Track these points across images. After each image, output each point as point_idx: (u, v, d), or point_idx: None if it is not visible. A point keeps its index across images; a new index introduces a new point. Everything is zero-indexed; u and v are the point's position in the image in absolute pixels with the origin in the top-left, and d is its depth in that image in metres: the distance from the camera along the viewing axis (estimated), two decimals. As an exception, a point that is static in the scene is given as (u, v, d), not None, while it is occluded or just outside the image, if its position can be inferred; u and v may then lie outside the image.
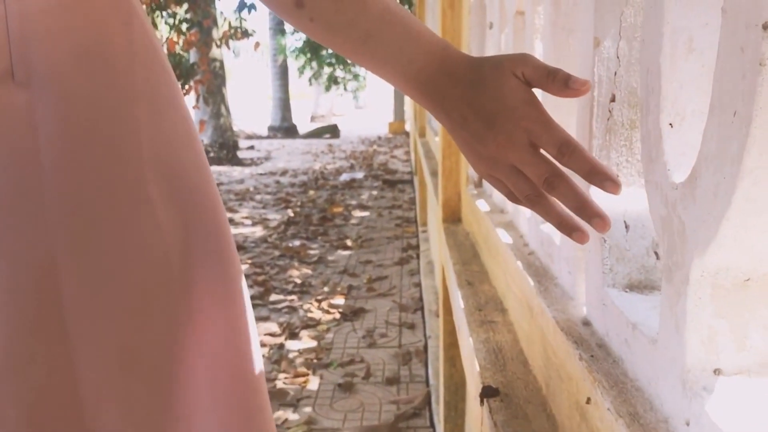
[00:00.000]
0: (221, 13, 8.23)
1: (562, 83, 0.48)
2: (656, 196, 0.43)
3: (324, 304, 3.03)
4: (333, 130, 14.44)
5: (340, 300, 3.11)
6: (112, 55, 0.46)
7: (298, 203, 5.84)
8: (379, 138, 13.18)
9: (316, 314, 2.92)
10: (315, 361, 2.43)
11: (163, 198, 0.48)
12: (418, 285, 3.31)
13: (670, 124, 0.42)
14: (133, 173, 0.46)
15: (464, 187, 1.48)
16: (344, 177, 7.47)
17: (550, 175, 0.48)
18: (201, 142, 0.55)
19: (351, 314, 2.91)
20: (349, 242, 4.29)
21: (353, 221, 5.03)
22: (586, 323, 0.61)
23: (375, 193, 6.43)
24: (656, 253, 0.57)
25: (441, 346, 1.78)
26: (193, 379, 0.48)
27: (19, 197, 0.43)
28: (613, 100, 0.58)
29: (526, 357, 0.78)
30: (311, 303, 3.05)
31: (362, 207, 5.62)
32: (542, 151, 0.49)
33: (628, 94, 0.58)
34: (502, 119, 0.49)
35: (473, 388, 0.79)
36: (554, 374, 0.64)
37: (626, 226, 0.57)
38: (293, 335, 2.69)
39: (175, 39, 7.62)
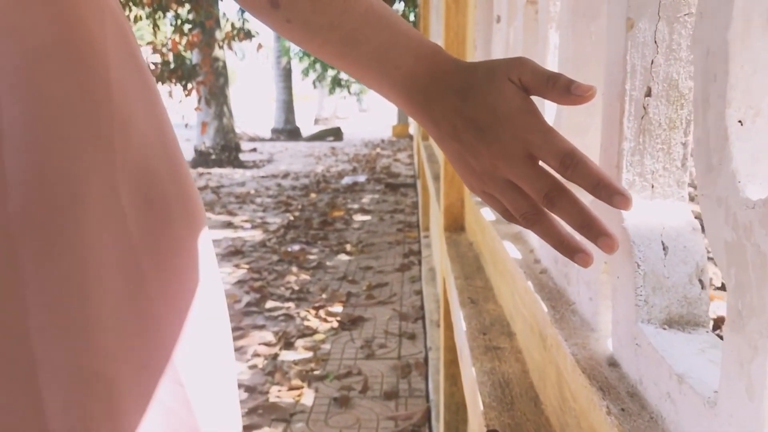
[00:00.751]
0: (224, 14, 8.16)
1: (563, 89, 0.43)
2: (718, 216, 0.33)
3: (321, 312, 2.93)
4: (336, 133, 14.36)
5: (338, 308, 3.01)
6: (82, 54, 0.42)
7: (299, 206, 5.74)
8: (383, 141, 13.09)
9: (313, 323, 2.82)
10: (310, 372, 2.33)
11: (136, 210, 0.44)
12: (420, 293, 3.21)
13: (740, 122, 0.32)
14: (106, 183, 0.43)
15: (468, 193, 1.38)
16: (346, 180, 7.38)
17: (550, 190, 0.43)
18: (179, 148, 0.50)
19: (349, 323, 2.80)
20: (349, 247, 4.19)
21: (354, 225, 4.93)
22: (613, 364, 0.50)
23: (377, 196, 6.33)
24: (701, 281, 0.46)
25: (442, 361, 1.68)
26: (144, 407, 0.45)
27: None
28: (648, 94, 0.48)
29: (537, 393, 0.67)
30: (308, 311, 2.95)
31: (364, 211, 5.52)
32: (541, 163, 0.44)
33: (668, 87, 0.48)
34: (496, 129, 0.44)
35: (476, 426, 0.69)
36: (572, 421, 0.54)
37: (664, 248, 0.47)
38: (288, 345, 2.59)
39: (177, 40, 7.55)
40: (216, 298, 0.51)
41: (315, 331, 2.73)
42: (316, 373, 2.33)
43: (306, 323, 2.81)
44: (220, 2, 8.13)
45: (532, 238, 0.86)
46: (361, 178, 7.50)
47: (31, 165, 0.40)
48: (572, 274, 0.64)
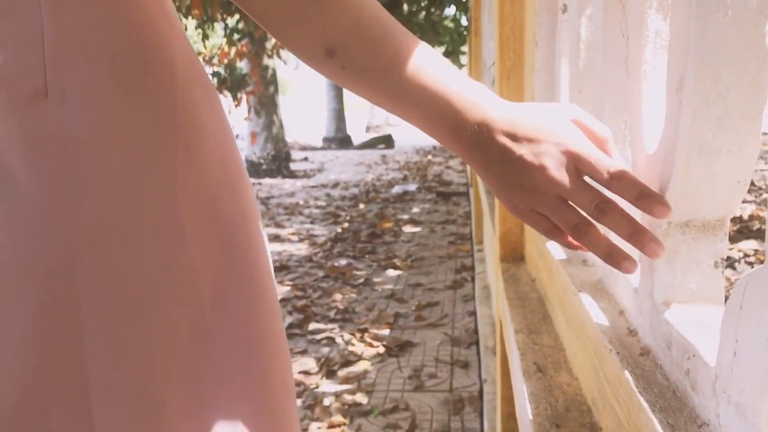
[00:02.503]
0: (273, 23, 8.13)
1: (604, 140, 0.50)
2: None
3: (367, 336, 2.73)
4: (387, 141, 14.22)
5: (385, 330, 2.81)
6: (152, 75, 0.45)
7: (347, 218, 5.58)
8: (434, 148, 12.86)
9: (358, 348, 2.63)
10: (353, 407, 2.14)
11: (198, 230, 0.46)
12: (473, 314, 2.98)
13: None
14: (166, 200, 0.44)
15: (528, 218, 1.15)
16: (396, 189, 7.19)
17: (600, 201, 0.47)
18: (242, 171, 0.52)
19: (396, 348, 2.60)
20: (398, 261, 4.00)
21: (403, 238, 4.73)
22: None
23: (428, 206, 6.11)
24: None
25: (499, 397, 1.46)
26: None
27: (45, 218, 0.41)
28: None
29: None
30: (353, 334, 2.77)
31: (414, 222, 5.31)
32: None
33: None
34: (548, 145, 0.48)
35: None
36: None
37: None
38: (331, 373, 2.40)
39: (226, 50, 7.55)
40: (275, 327, 0.51)
41: (360, 357, 2.53)
42: (359, 407, 2.14)
43: (350, 348, 2.63)
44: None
45: (620, 292, 0.64)
46: (412, 187, 7.30)
47: (94, 177, 0.41)
48: (700, 372, 0.42)
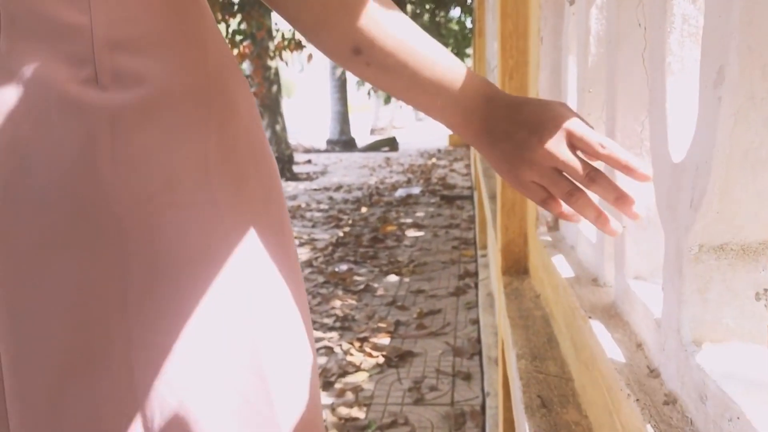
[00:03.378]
0: (275, 24, 8.05)
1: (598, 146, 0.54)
2: None
3: (366, 345, 2.65)
4: (391, 143, 14.13)
5: (385, 339, 2.72)
6: (189, 60, 0.49)
7: (350, 221, 5.50)
8: (439, 151, 12.77)
9: (357, 358, 2.54)
10: (350, 422, 2.05)
11: (229, 205, 0.49)
12: (476, 322, 2.89)
13: None
14: (200, 175, 0.48)
15: (533, 227, 1.07)
16: (400, 193, 7.10)
17: (590, 170, 0.53)
18: (267, 153, 0.57)
19: (396, 359, 2.51)
20: (400, 267, 3.91)
21: (406, 242, 4.64)
22: None
23: (431, 210, 6.02)
24: None
25: (501, 411, 1.38)
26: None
27: (93, 187, 0.44)
28: None
29: None
30: (352, 343, 2.68)
31: (417, 226, 5.22)
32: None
33: None
34: (546, 123, 0.54)
35: None
36: None
37: None
38: (328, 384, 2.32)
39: (229, 52, 7.47)
40: (302, 299, 0.57)
41: (358, 368, 2.45)
42: (356, 421, 2.05)
43: (348, 358, 2.54)
44: (273, 12, 8.03)
45: (637, 322, 0.55)
46: (416, 190, 7.21)
47: (136, 154, 0.46)
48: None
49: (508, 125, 0.56)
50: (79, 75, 0.45)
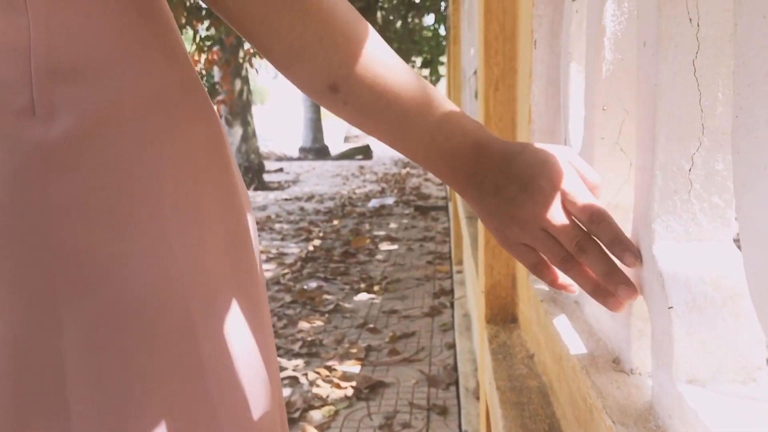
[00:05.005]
0: (245, 30, 7.82)
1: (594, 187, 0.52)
2: None
3: (334, 375, 2.45)
4: (365, 152, 13.97)
5: (354, 367, 2.53)
6: (140, 89, 0.43)
7: (320, 234, 5.30)
8: (413, 159, 12.63)
9: (324, 389, 2.34)
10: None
11: (186, 254, 0.44)
12: (452, 347, 2.71)
13: None
14: (153, 222, 0.42)
15: (522, 269, 0.89)
16: (373, 203, 6.92)
17: (581, 239, 0.48)
18: (236, 190, 0.51)
19: (367, 390, 2.32)
20: (372, 284, 3.72)
21: (379, 257, 4.46)
22: None
23: (405, 221, 5.85)
24: None
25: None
26: None
27: (24, 233, 0.39)
28: None
29: None
30: (319, 371, 2.48)
31: (390, 239, 5.04)
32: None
33: None
34: (539, 180, 0.49)
35: None
36: None
37: None
38: (291, 422, 2.11)
39: (197, 58, 7.23)
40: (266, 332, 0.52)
41: (325, 402, 2.25)
42: (321, 465, 1.85)
43: (315, 390, 2.34)
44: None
45: (664, 407, 0.38)
46: (389, 201, 7.04)
47: (73, 195, 0.40)
48: None
49: (498, 178, 0.51)
50: (12, 105, 0.39)
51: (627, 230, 0.68)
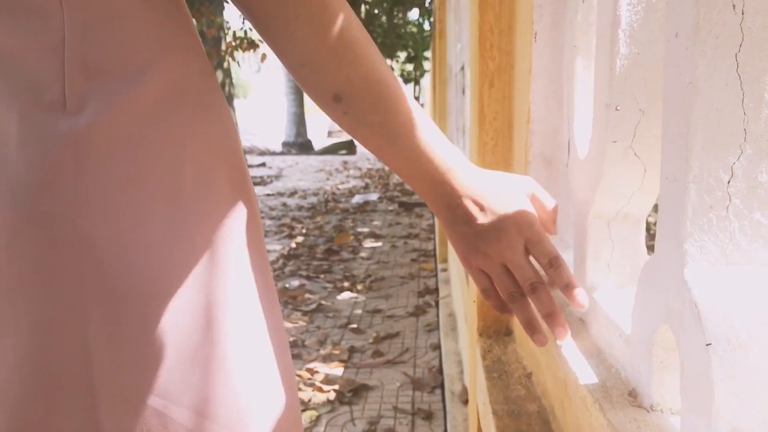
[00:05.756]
0: (227, 22, 7.68)
1: (551, 222, 0.59)
2: None
3: (317, 377, 2.38)
4: (349, 146, 13.88)
5: (338, 369, 2.46)
6: (164, 90, 0.45)
7: (303, 230, 5.21)
8: (397, 154, 12.56)
9: (306, 393, 2.27)
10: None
11: (205, 244, 0.46)
12: (437, 348, 2.65)
13: None
14: (172, 210, 0.45)
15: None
16: (357, 199, 6.85)
17: (534, 281, 0.55)
18: (248, 189, 0.53)
19: (350, 393, 2.25)
20: (356, 282, 3.65)
21: (363, 254, 4.39)
22: None
23: (390, 218, 5.79)
24: None
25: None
26: None
27: (52, 222, 0.41)
28: None
29: None
30: (300, 374, 2.41)
31: (374, 236, 4.98)
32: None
33: None
34: (507, 222, 0.55)
35: None
36: None
37: None
38: (271, 428, 2.04)
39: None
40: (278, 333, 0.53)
41: (306, 406, 2.18)
42: (302, 474, 1.79)
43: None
44: (224, 10, 7.66)
45: None
46: (373, 197, 6.97)
47: (100, 187, 0.42)
48: None
49: (470, 210, 0.56)
50: (45, 98, 0.41)
51: (638, 245, 0.62)
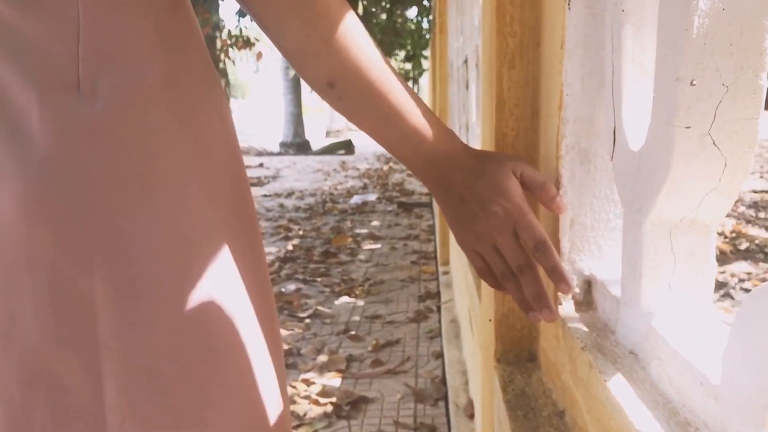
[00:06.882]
0: (222, 20, 7.54)
1: (549, 199, 0.60)
2: None
3: (313, 389, 2.25)
4: (347, 146, 13.75)
5: (335, 380, 2.33)
6: (171, 77, 0.50)
7: (300, 232, 5.08)
8: (396, 154, 12.42)
9: (301, 406, 2.14)
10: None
11: (203, 222, 0.50)
12: (440, 356, 2.52)
13: None
14: (176, 189, 0.49)
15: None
16: (355, 200, 6.72)
17: (522, 263, 0.58)
18: (240, 163, 0.57)
19: (348, 406, 2.12)
20: (354, 286, 3.52)
21: (361, 256, 4.26)
22: None
23: (389, 218, 5.66)
24: None
25: None
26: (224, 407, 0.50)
27: (67, 197, 0.45)
28: None
29: None
30: (295, 385, 2.28)
31: (373, 237, 4.85)
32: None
33: None
34: (496, 206, 0.58)
35: None
36: None
37: None
38: (264, 445, 1.91)
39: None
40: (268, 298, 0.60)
41: (302, 421, 2.05)
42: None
43: (292, 407, 2.14)
44: (219, 8, 7.51)
45: None
46: (372, 197, 6.84)
47: (112, 166, 0.47)
48: None
49: (463, 191, 0.59)
50: (61, 80, 0.45)
51: (708, 259, 0.49)
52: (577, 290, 0.64)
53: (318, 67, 0.54)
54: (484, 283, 0.85)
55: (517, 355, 0.76)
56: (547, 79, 0.68)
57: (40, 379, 0.46)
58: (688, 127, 0.43)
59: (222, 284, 0.50)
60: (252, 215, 0.57)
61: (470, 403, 1.97)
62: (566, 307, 0.64)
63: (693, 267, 0.50)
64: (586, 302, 0.64)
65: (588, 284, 0.64)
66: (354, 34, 0.53)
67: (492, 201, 0.57)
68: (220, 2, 7.34)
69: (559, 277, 0.57)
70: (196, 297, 0.48)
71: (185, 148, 0.50)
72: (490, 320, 0.80)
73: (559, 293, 0.64)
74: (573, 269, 0.64)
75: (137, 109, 0.47)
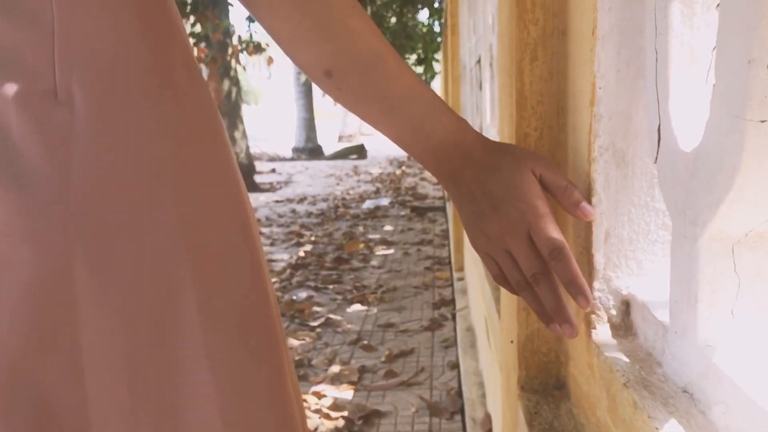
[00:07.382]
0: (232, 26, 7.51)
1: (573, 204, 0.53)
2: None
3: (325, 402, 2.17)
4: (360, 151, 13.70)
5: (347, 392, 2.25)
6: (152, 81, 0.49)
7: (312, 238, 5.02)
8: (409, 158, 12.34)
9: (312, 420, 2.07)
10: None
11: (186, 224, 0.49)
12: (455, 366, 2.44)
13: None
14: (157, 195, 0.48)
15: (577, 318, 0.61)
16: (368, 204, 6.64)
17: (537, 272, 0.52)
18: (234, 174, 0.55)
19: (360, 421, 2.04)
20: (366, 293, 3.44)
21: (374, 262, 4.18)
22: None
23: (402, 223, 5.58)
24: None
25: None
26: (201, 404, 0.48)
27: (48, 201, 0.45)
28: None
29: None
30: (306, 399, 2.20)
31: (386, 243, 4.77)
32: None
33: None
34: (509, 206, 0.52)
35: None
36: None
37: None
38: (273, 462, 1.84)
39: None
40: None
41: (313, 436, 1.98)
42: None
43: (302, 421, 2.06)
44: (230, 14, 7.48)
45: None
46: (384, 202, 6.76)
47: (92, 172, 0.46)
48: None
49: (474, 188, 0.54)
50: (38, 87, 0.45)
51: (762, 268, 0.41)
52: (613, 312, 0.56)
53: (313, 56, 0.52)
54: (503, 299, 0.77)
55: (544, 382, 0.67)
56: (575, 71, 0.60)
57: (22, 385, 0.45)
58: (763, 121, 0.34)
59: (208, 280, 0.49)
60: (245, 220, 0.54)
61: (488, 418, 1.89)
62: (601, 332, 0.55)
63: (761, 291, 0.41)
64: (624, 326, 0.55)
65: (626, 305, 0.56)
66: (350, 20, 0.51)
67: (505, 201, 0.52)
68: (230, 7, 7.31)
69: (577, 291, 0.50)
70: (175, 297, 0.48)
71: (167, 154, 0.48)
72: (512, 342, 0.72)
73: (593, 315, 0.56)
74: (608, 288, 0.56)
75: (116, 116, 0.47)
